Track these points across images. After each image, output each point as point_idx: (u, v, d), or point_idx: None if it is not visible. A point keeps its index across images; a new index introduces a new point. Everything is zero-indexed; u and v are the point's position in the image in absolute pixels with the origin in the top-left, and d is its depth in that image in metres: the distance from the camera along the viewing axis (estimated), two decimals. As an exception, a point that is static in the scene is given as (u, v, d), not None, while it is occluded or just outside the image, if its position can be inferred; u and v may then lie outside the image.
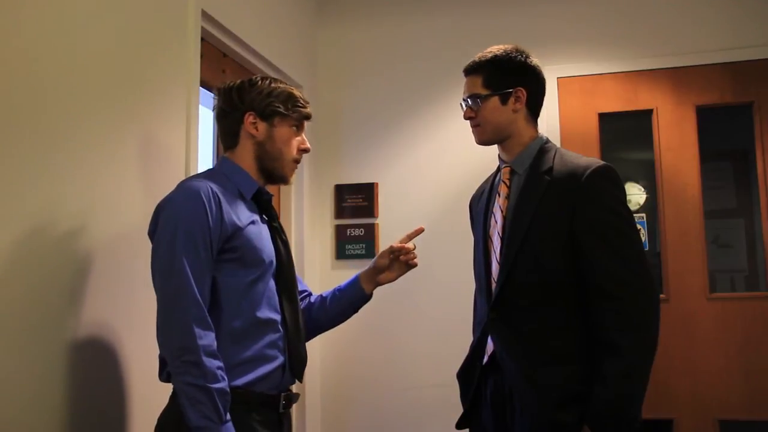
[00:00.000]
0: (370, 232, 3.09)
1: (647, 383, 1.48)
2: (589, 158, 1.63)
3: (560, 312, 1.56)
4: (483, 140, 1.72)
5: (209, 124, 2.33)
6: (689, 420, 2.73)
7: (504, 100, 1.66)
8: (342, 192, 3.15)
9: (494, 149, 1.78)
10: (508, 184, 1.69)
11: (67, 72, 1.57)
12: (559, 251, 1.56)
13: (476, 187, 1.95)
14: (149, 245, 1.46)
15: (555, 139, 2.91)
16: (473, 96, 1.68)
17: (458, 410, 1.73)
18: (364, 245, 3.08)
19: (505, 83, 1.66)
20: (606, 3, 2.98)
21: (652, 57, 2.91)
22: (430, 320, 2.99)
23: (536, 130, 1.72)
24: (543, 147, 1.68)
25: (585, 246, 1.54)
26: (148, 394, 1.75)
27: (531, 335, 1.56)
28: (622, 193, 1.60)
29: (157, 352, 1.44)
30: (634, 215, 2.86)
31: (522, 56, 1.68)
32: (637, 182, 2.96)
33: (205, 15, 2.20)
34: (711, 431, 2.72)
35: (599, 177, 1.56)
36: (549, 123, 2.94)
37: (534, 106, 1.70)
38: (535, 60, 1.71)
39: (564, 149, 1.70)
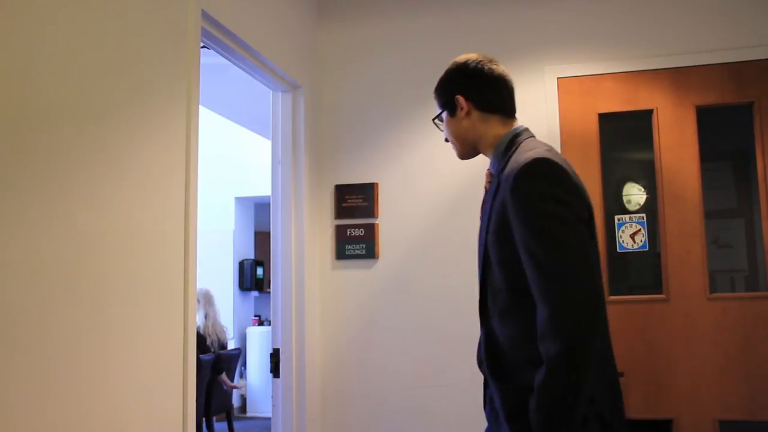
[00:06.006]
0: (370, 232, 3.09)
1: (575, 401, 1.35)
2: (535, 151, 1.50)
3: (522, 321, 1.48)
4: (460, 155, 1.76)
5: (209, 123, 2.33)
6: (689, 420, 2.73)
7: (452, 113, 1.69)
8: (342, 192, 3.15)
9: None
10: (487, 188, 1.68)
11: (65, 73, 1.57)
12: (508, 259, 1.49)
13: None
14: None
15: (555, 139, 2.91)
16: (435, 119, 1.77)
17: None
18: (364, 245, 3.08)
19: (446, 97, 1.69)
20: (606, 3, 2.98)
21: (652, 57, 2.91)
22: (430, 319, 2.99)
23: (503, 127, 1.65)
24: (512, 141, 1.61)
25: (520, 252, 1.45)
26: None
27: (501, 344, 1.53)
28: (554, 187, 1.44)
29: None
30: (635, 215, 2.88)
31: (457, 64, 1.69)
32: (637, 182, 2.96)
33: (205, 15, 2.20)
34: (711, 431, 2.72)
35: (524, 175, 1.45)
36: (549, 123, 2.94)
37: (485, 104, 1.65)
38: (475, 60, 1.67)
39: (530, 141, 1.59)
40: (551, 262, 1.38)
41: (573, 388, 1.35)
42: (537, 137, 1.67)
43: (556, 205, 1.41)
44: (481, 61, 1.67)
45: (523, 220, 1.43)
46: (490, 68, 1.66)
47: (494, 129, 1.65)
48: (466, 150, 1.72)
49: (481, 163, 2.96)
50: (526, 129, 1.66)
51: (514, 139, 1.61)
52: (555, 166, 1.45)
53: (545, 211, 1.41)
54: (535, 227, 1.41)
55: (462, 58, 1.70)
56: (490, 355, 1.56)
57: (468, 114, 1.66)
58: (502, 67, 1.69)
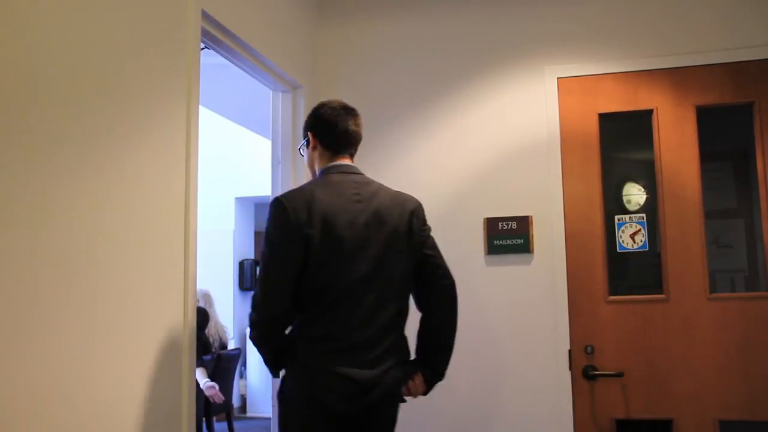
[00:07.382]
0: (370, 232, 3.07)
1: (261, 352, 1.99)
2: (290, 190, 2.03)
3: None
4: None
5: (209, 123, 2.33)
6: (689, 420, 2.73)
7: (307, 145, 2.13)
8: (342, 192, 3.14)
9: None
10: None
11: (66, 72, 1.57)
12: None
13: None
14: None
15: (554, 140, 2.91)
16: (300, 148, 2.21)
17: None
18: (364, 245, 3.07)
19: (305, 132, 2.15)
20: (606, 3, 2.98)
21: (652, 57, 2.91)
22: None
23: (329, 160, 2.07)
24: (320, 174, 2.06)
25: None
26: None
27: None
28: (270, 221, 1.90)
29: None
30: (635, 215, 2.88)
31: (316, 107, 2.12)
32: (637, 182, 2.96)
33: (205, 15, 2.20)
34: (711, 431, 2.72)
35: None
36: (549, 123, 2.94)
37: (327, 143, 2.08)
38: (330, 108, 2.10)
39: (319, 179, 2.03)
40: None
41: (258, 347, 1.98)
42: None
43: (267, 239, 1.88)
44: (334, 108, 2.09)
45: None
46: (336, 118, 2.08)
47: (323, 162, 2.09)
48: (313, 175, 2.13)
49: (479, 163, 2.97)
50: (340, 167, 2.05)
51: (322, 173, 2.05)
52: (277, 205, 1.89)
53: (266, 240, 1.90)
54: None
55: (322, 103, 2.12)
56: None
57: (314, 148, 2.10)
58: (349, 121, 2.09)
